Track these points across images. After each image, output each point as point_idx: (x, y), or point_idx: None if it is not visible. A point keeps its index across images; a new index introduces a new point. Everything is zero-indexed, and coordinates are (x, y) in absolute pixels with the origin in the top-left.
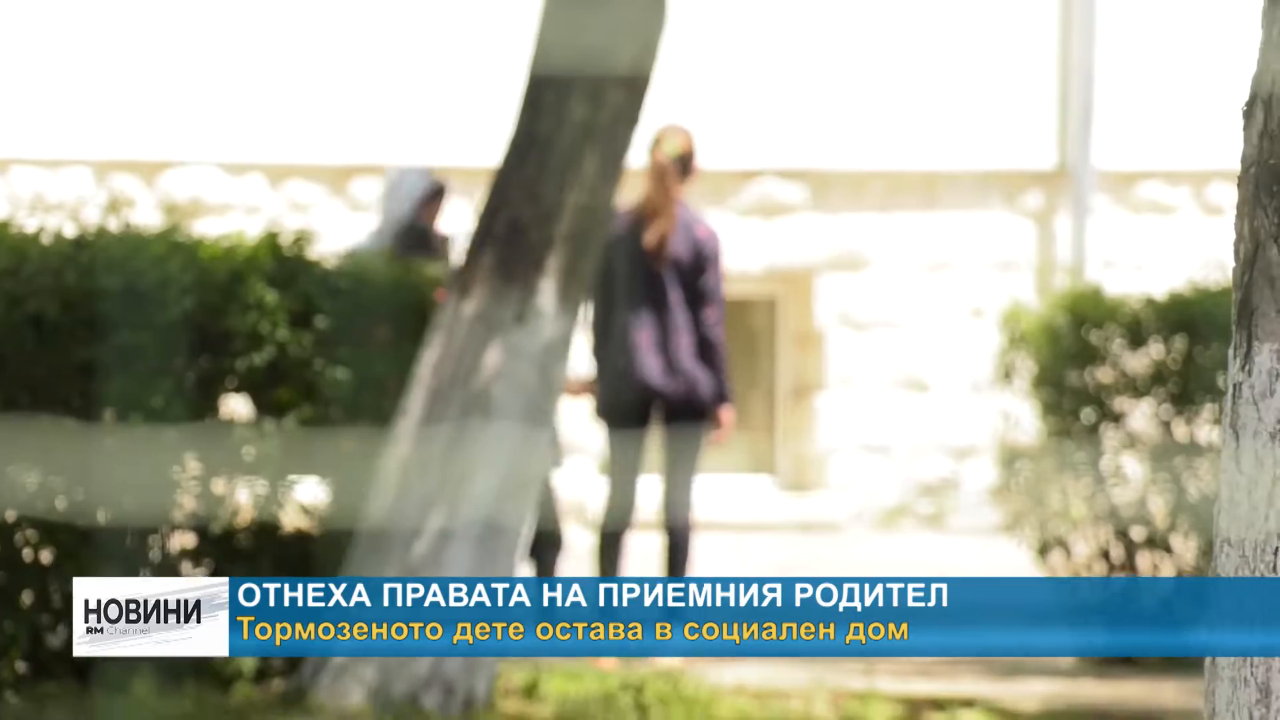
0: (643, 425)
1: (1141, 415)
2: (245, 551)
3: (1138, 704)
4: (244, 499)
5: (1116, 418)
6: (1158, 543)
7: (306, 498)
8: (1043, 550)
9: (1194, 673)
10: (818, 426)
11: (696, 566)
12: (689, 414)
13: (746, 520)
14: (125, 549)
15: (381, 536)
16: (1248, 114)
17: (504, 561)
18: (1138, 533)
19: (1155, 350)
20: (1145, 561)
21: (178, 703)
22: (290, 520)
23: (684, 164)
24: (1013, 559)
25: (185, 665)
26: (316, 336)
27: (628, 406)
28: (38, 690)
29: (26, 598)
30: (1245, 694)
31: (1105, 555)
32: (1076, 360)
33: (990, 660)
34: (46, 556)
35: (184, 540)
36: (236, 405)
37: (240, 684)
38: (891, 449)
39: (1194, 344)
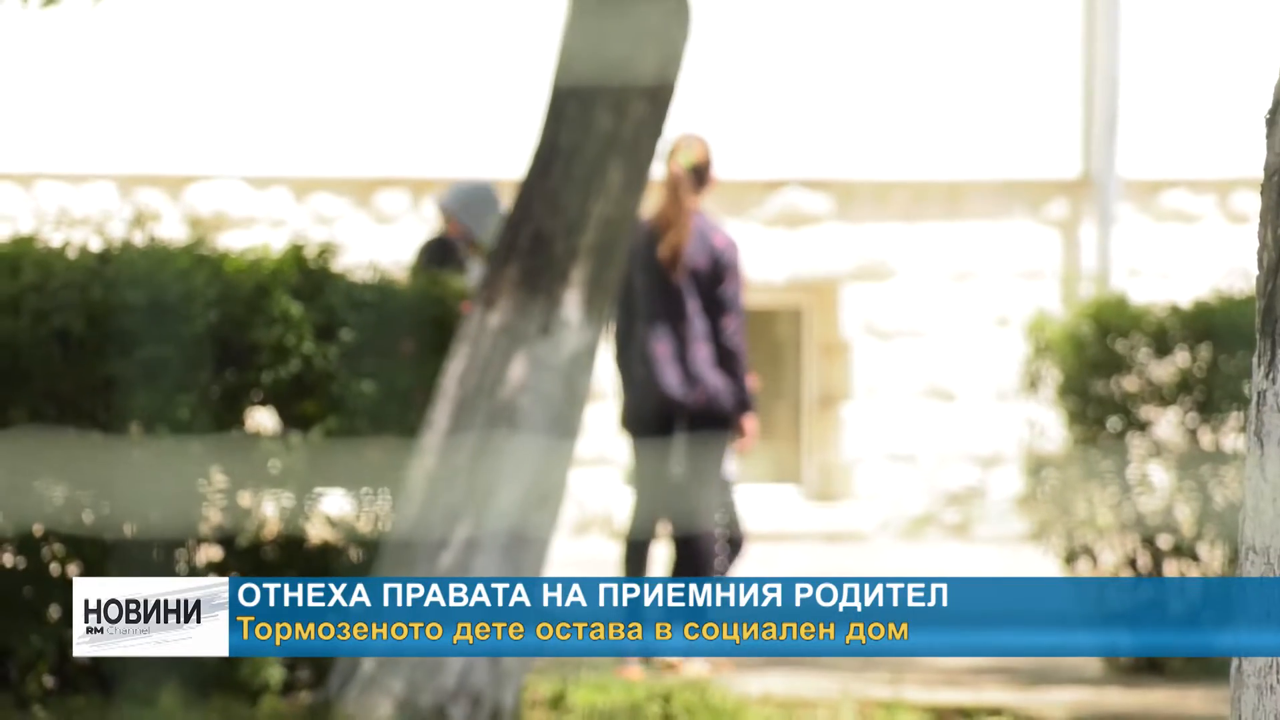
0: (665, 435)
1: (1167, 423)
2: (271, 564)
3: (1164, 711)
4: (270, 512)
5: (1142, 426)
6: (1184, 551)
7: (332, 510)
8: (1069, 559)
9: (1220, 680)
10: (843, 436)
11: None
12: (710, 423)
13: (772, 530)
14: (152, 562)
15: (407, 548)
16: (1270, 121)
17: (530, 572)
18: (1164, 541)
19: (1181, 358)
20: (1172, 569)
21: (204, 715)
22: (316, 533)
23: (698, 174)
24: (1039, 567)
25: (211, 678)
26: (342, 349)
27: (649, 417)
28: (65, 704)
29: (54, 612)
30: (1271, 701)
31: (1132, 563)
32: (1102, 369)
33: (1016, 669)
34: (73, 570)
35: (210, 553)
36: (262, 418)
37: (267, 697)
38: (917, 458)
39: (1219, 352)
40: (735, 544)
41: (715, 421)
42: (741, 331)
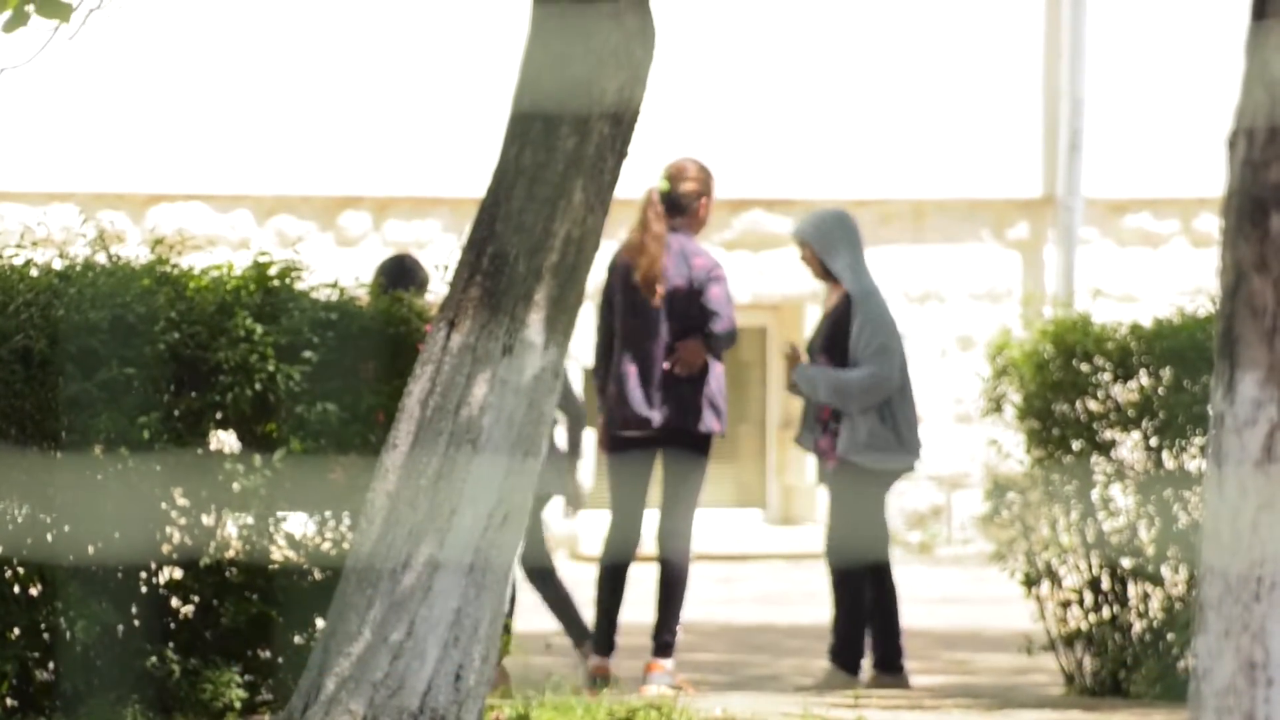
0: (639, 457)
1: (1130, 445)
2: (234, 585)
3: None
4: (232, 532)
5: (1105, 448)
6: (1147, 573)
7: (295, 531)
8: (1031, 580)
9: (1184, 703)
10: (808, 458)
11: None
12: (684, 445)
13: (735, 551)
14: (114, 583)
15: (370, 569)
16: (1231, 144)
17: (493, 592)
18: (1127, 563)
19: (1144, 380)
20: (1135, 591)
21: None
22: (279, 554)
23: (674, 201)
24: (1001, 589)
25: (174, 697)
26: (304, 369)
27: (624, 439)
28: None
29: (15, 632)
30: None
31: (1094, 585)
32: (1065, 390)
33: (979, 691)
34: (35, 591)
35: (172, 574)
36: (224, 438)
37: (230, 717)
38: None
39: (1182, 374)
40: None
41: (688, 443)
42: (727, 337)
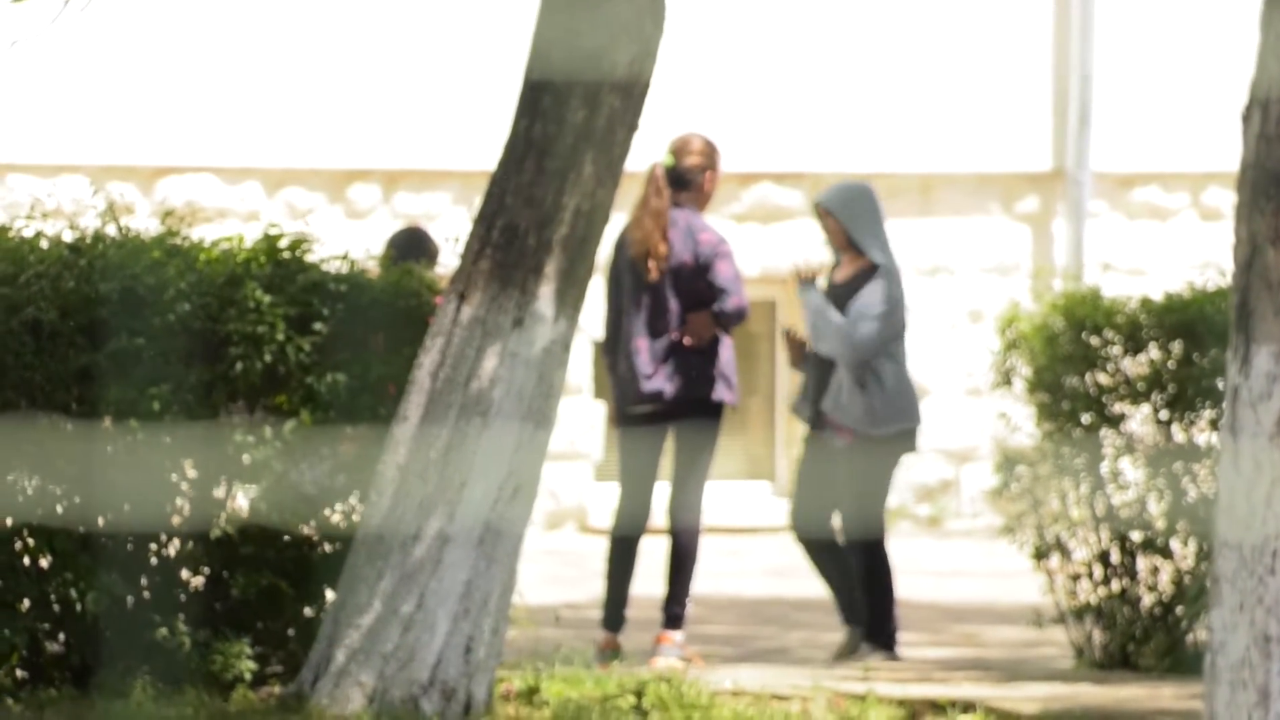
0: (650, 430)
1: (1140, 418)
2: (244, 557)
3: (1137, 707)
4: (243, 504)
5: (1115, 421)
6: (1157, 546)
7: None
8: (1041, 554)
9: (1192, 676)
10: None
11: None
12: (696, 415)
13: (744, 524)
14: (124, 554)
15: (380, 541)
16: (1246, 118)
17: (503, 565)
18: (1136, 536)
19: (1154, 354)
20: (1144, 564)
21: (177, 708)
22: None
23: (678, 176)
24: (1011, 562)
25: (184, 670)
26: (315, 341)
27: (633, 412)
28: (37, 696)
29: (25, 604)
30: (1244, 696)
31: (1104, 559)
32: (1074, 363)
33: (989, 664)
34: (45, 562)
35: (183, 545)
36: (235, 410)
37: (240, 689)
38: None
39: (1192, 347)
40: None
41: (700, 411)
42: (736, 314)
